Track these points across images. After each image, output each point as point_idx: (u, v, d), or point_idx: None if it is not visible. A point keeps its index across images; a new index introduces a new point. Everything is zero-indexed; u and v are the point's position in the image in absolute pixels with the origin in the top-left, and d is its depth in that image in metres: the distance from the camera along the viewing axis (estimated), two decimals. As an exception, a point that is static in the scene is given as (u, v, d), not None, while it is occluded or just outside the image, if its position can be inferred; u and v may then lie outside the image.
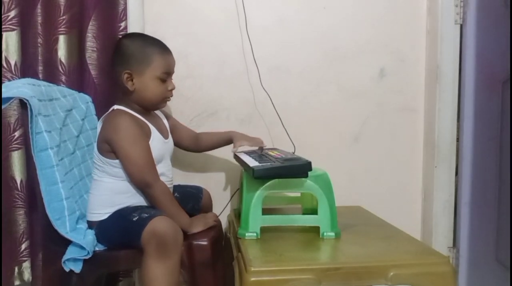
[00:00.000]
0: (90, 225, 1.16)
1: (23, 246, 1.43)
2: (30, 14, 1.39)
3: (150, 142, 1.19)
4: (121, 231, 1.10)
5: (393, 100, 1.66)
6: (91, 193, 1.21)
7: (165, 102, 1.28)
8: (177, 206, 1.18)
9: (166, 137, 1.29)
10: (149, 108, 1.27)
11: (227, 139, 1.42)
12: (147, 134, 1.20)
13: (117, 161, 1.16)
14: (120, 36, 1.45)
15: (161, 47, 1.25)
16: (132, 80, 1.21)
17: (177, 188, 1.37)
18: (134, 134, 1.16)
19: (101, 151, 1.18)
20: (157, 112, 1.35)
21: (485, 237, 1.49)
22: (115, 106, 1.23)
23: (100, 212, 1.16)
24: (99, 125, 1.23)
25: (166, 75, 1.24)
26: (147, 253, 1.03)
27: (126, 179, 1.17)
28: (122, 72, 1.20)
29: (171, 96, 1.28)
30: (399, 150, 1.68)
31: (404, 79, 1.66)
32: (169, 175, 1.27)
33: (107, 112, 1.24)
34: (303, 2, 1.61)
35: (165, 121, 1.36)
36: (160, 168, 1.21)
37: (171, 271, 1.03)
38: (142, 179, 1.15)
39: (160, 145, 1.24)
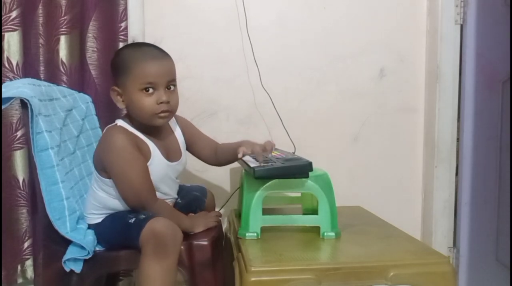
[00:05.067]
0: (88, 226, 1.15)
1: (26, 244, 1.44)
2: (32, 15, 1.40)
3: (148, 164, 1.10)
4: (118, 233, 1.08)
5: (393, 100, 1.66)
6: (86, 197, 1.19)
7: (160, 118, 1.09)
8: (176, 213, 1.15)
9: (172, 159, 1.17)
10: (146, 125, 1.11)
11: (235, 153, 1.16)
12: (146, 155, 1.10)
13: (110, 180, 1.11)
14: (121, 37, 1.45)
15: (142, 54, 1.08)
16: (121, 96, 1.10)
17: (180, 190, 1.30)
18: (128, 156, 1.07)
19: (96, 167, 1.14)
20: (172, 123, 1.21)
21: (485, 237, 1.49)
22: (118, 121, 1.13)
23: (96, 214, 1.14)
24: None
25: (150, 86, 1.06)
26: (144, 253, 1.02)
27: (121, 198, 1.11)
28: (111, 88, 1.11)
29: (165, 110, 1.08)
30: (399, 150, 1.68)
31: (404, 79, 1.66)
32: (171, 193, 1.21)
33: (109, 126, 1.15)
34: (303, 2, 1.61)
35: (179, 136, 1.22)
36: (161, 190, 1.15)
37: (169, 271, 1.02)
38: (138, 202, 1.09)
39: (160, 168, 1.13)
